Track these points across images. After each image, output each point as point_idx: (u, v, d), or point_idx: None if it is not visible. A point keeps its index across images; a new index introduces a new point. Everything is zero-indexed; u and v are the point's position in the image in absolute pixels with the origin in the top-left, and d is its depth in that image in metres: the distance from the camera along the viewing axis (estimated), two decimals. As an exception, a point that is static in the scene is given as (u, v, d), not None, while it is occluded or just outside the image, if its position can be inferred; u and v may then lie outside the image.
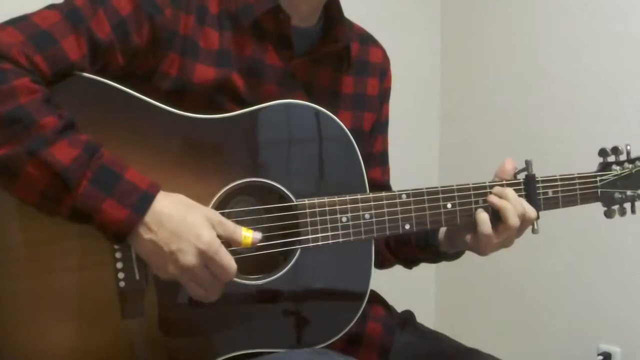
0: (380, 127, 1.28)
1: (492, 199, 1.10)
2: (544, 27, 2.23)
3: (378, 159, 1.29)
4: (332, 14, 1.16)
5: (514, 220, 1.08)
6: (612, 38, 2.04)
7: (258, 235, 0.95)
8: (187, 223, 0.89)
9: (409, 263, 1.30)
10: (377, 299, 1.26)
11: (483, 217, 1.09)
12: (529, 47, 2.27)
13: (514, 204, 1.09)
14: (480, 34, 2.44)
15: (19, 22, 0.91)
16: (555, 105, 2.19)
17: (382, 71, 1.27)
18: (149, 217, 0.88)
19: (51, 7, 0.95)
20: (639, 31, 1.98)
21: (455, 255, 1.22)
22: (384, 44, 1.30)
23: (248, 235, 0.94)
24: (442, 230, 1.20)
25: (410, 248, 1.24)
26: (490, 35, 2.40)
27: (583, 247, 2.11)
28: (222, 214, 0.97)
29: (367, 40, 1.27)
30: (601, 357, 2.06)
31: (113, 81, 0.95)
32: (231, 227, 0.93)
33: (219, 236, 0.92)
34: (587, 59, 2.10)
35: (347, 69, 1.18)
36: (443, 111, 2.57)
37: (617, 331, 2.05)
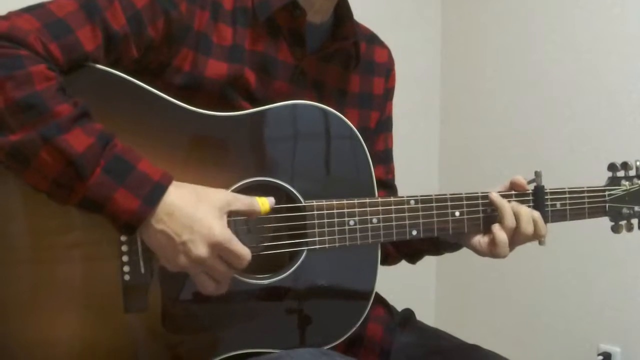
0: (383, 125, 1.29)
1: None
2: (544, 27, 2.23)
3: (381, 157, 1.29)
4: (341, 12, 1.17)
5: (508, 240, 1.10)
6: (611, 38, 2.04)
7: (272, 199, 0.97)
8: (199, 215, 0.89)
9: (412, 257, 1.30)
10: (377, 299, 1.25)
11: (502, 238, 1.10)
12: (529, 47, 2.28)
13: (525, 221, 1.10)
14: (480, 34, 2.44)
15: (36, 10, 0.91)
16: (554, 105, 2.20)
17: (388, 71, 1.28)
18: (160, 208, 0.88)
19: None
20: (638, 31, 1.98)
21: (456, 246, 1.22)
22: (384, 44, 1.30)
23: (265, 202, 0.95)
24: None
25: (412, 240, 1.24)
26: (491, 35, 2.40)
27: (583, 247, 2.11)
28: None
29: (373, 40, 1.28)
30: (601, 357, 2.06)
31: (126, 74, 0.95)
32: (248, 199, 0.94)
33: (240, 212, 0.94)
34: (587, 59, 2.11)
35: (356, 66, 1.19)
36: (443, 111, 2.57)
37: (617, 331, 2.05)
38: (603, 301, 2.08)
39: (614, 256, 2.04)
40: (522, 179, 1.15)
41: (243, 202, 0.94)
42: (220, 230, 0.89)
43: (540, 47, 2.24)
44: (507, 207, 1.10)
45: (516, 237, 1.11)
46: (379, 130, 1.28)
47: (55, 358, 0.94)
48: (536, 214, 1.11)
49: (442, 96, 2.57)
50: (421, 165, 2.47)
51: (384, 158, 1.31)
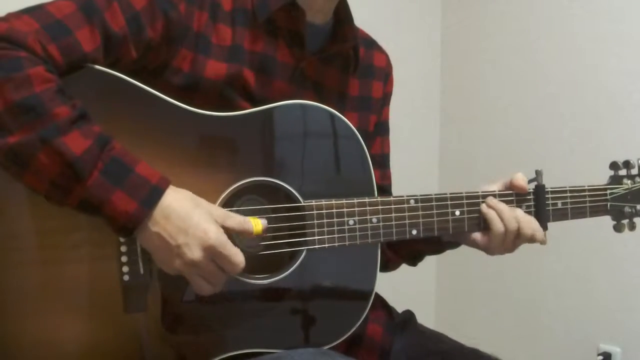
0: (379, 129, 1.28)
1: (509, 222, 1.11)
2: (544, 27, 2.23)
3: (376, 161, 1.28)
4: (341, 15, 1.17)
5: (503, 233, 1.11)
6: (611, 38, 2.04)
7: (265, 221, 0.96)
8: (194, 218, 0.89)
9: (413, 259, 1.30)
10: (377, 300, 1.26)
11: (493, 215, 1.10)
12: (529, 47, 2.28)
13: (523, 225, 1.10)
14: (480, 34, 2.44)
15: (35, 11, 0.91)
16: (555, 105, 2.20)
17: (386, 75, 1.28)
18: (157, 211, 0.88)
19: None
20: (638, 31, 1.98)
21: (457, 243, 1.22)
22: (384, 45, 1.31)
23: (258, 223, 0.95)
24: None
25: (412, 241, 1.24)
26: (491, 36, 2.40)
27: (583, 247, 2.11)
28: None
29: (372, 45, 1.28)
30: (601, 357, 2.06)
31: (125, 75, 0.96)
32: (241, 219, 0.94)
33: (231, 229, 0.93)
34: (587, 59, 2.11)
35: (355, 70, 1.19)
36: (443, 112, 2.57)
37: (617, 331, 2.05)
38: (603, 301, 2.08)
39: (614, 256, 2.04)
40: (521, 179, 1.14)
41: (237, 218, 0.94)
42: (215, 235, 0.89)
43: (540, 47, 2.24)
44: (494, 217, 1.10)
45: (508, 238, 1.11)
46: (375, 133, 1.28)
47: (56, 358, 0.94)
48: (535, 224, 1.12)
49: (442, 96, 2.57)
50: (421, 166, 2.48)
51: (380, 162, 1.30)
